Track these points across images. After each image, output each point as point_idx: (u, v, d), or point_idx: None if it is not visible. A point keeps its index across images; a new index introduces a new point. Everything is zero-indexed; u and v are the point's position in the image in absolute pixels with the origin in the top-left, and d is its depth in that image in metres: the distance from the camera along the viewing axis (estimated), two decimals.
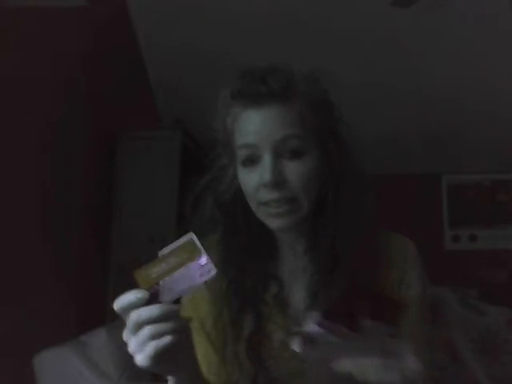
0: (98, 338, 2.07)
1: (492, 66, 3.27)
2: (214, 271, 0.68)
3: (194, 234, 0.70)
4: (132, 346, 0.67)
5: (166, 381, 0.83)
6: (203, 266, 0.68)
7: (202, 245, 0.69)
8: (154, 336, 0.66)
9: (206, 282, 0.68)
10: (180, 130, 3.16)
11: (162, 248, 0.71)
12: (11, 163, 2.47)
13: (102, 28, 2.87)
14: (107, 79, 3.00)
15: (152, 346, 0.66)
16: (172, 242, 0.71)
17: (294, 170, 0.85)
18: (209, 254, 0.77)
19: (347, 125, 0.93)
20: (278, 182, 0.84)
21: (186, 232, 0.71)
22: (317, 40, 3.14)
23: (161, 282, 0.68)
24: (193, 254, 0.69)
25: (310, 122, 0.86)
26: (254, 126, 0.85)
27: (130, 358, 0.71)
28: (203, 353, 0.90)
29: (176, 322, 0.68)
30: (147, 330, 0.66)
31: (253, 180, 0.86)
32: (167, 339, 0.66)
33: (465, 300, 3.21)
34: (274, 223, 0.87)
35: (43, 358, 2.02)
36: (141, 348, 0.66)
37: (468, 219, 4.20)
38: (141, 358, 0.67)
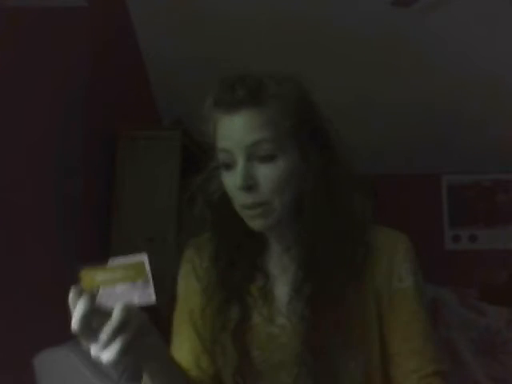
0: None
1: (492, 65, 3.27)
2: (152, 300, 0.71)
3: (146, 256, 0.72)
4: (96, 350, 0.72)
5: None
6: (144, 290, 0.71)
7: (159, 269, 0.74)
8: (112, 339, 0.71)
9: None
10: (180, 130, 3.16)
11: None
12: (11, 163, 2.47)
13: (101, 28, 2.88)
14: (107, 79, 3.00)
15: (117, 343, 0.71)
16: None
17: (265, 174, 0.88)
18: (200, 252, 0.79)
19: (331, 122, 0.95)
20: (249, 186, 0.87)
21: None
22: (316, 42, 3.14)
23: (101, 289, 0.72)
24: (139, 275, 0.71)
25: (284, 124, 0.89)
26: (228, 131, 0.89)
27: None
28: (191, 343, 0.95)
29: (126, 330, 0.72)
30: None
31: (231, 183, 0.90)
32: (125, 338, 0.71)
33: (465, 300, 3.21)
34: (252, 224, 0.91)
35: (43, 357, 2.02)
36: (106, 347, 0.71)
37: (468, 219, 4.20)
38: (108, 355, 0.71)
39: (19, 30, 2.48)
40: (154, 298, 0.71)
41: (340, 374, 0.87)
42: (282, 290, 0.95)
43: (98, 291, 0.72)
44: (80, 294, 0.72)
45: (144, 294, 0.71)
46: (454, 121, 3.65)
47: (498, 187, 4.20)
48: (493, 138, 3.71)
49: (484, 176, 4.20)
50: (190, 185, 0.99)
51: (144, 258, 0.72)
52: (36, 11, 2.58)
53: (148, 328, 0.77)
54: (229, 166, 0.90)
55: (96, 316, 0.71)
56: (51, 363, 2.01)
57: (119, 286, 0.72)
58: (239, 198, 0.89)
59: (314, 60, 2.90)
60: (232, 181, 0.90)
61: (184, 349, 0.96)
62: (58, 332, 2.28)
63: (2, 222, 2.37)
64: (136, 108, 3.36)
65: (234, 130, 0.88)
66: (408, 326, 0.89)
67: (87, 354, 2.08)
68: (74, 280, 0.76)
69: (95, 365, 1.98)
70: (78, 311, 0.71)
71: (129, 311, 0.71)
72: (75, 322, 0.71)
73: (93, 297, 0.71)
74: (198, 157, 3.35)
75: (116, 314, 0.70)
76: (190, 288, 0.99)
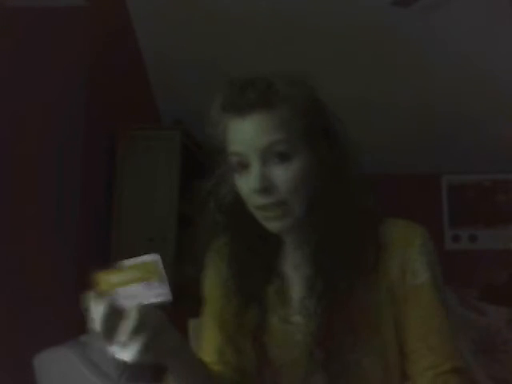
0: (98, 338, 2.06)
1: (492, 65, 3.27)
2: (166, 298, 0.72)
3: (159, 257, 0.73)
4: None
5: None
6: (158, 289, 0.73)
7: (165, 269, 0.73)
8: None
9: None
10: (180, 130, 3.16)
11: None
12: (11, 163, 2.47)
13: (101, 28, 2.88)
14: (107, 79, 3.00)
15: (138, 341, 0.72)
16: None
17: (281, 175, 0.88)
18: (215, 258, 0.80)
19: (340, 121, 0.95)
20: (266, 187, 0.87)
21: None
22: (316, 42, 3.14)
23: (117, 291, 0.73)
24: (153, 275, 0.73)
25: (296, 125, 0.89)
26: (240, 135, 0.89)
27: None
28: (215, 339, 0.98)
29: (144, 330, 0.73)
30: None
31: (245, 186, 0.90)
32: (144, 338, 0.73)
33: (465, 300, 3.21)
34: (270, 226, 0.91)
35: (43, 357, 2.02)
36: (125, 347, 0.73)
37: (468, 219, 4.20)
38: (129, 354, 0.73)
39: (19, 29, 2.48)
40: (169, 296, 0.72)
41: (353, 371, 0.88)
42: (295, 288, 0.96)
43: (114, 293, 0.73)
44: (98, 297, 0.73)
45: (159, 293, 0.72)
46: (453, 121, 3.65)
47: (498, 187, 4.20)
48: (493, 137, 3.71)
49: (484, 176, 4.20)
50: (199, 191, 0.99)
51: (157, 257, 0.73)
52: (36, 11, 2.58)
53: (166, 326, 0.78)
54: (242, 170, 0.90)
55: (115, 317, 0.72)
56: (51, 363, 2.01)
57: (134, 287, 0.73)
58: (255, 200, 0.89)
59: (314, 60, 2.90)
60: (246, 184, 0.90)
61: (209, 344, 0.98)
62: (58, 332, 2.29)
63: (2, 222, 2.37)
64: (136, 108, 3.37)
65: (247, 133, 0.88)
66: (424, 323, 0.89)
67: (87, 354, 2.08)
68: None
69: (95, 364, 1.98)
70: (98, 314, 0.72)
71: (144, 311, 0.72)
72: (97, 325, 0.72)
73: (111, 299, 0.73)
74: (197, 157, 3.35)
75: (131, 315, 0.72)
76: (212, 287, 1.01)
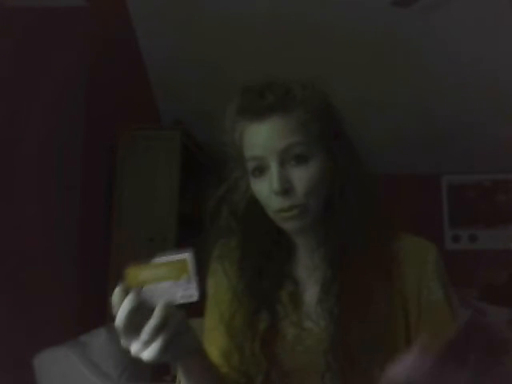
0: (97, 338, 2.07)
1: (492, 66, 3.27)
2: (194, 297, 0.72)
3: (191, 255, 0.73)
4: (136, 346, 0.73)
5: (165, 381, 0.86)
6: (187, 288, 0.72)
7: (197, 267, 0.73)
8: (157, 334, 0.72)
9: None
10: (180, 130, 3.16)
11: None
12: (11, 163, 2.47)
13: (101, 28, 2.88)
14: (107, 79, 3.00)
15: (158, 341, 0.72)
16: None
17: (300, 176, 0.89)
18: (223, 262, 0.87)
19: (350, 125, 0.97)
20: (286, 189, 0.89)
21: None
22: (317, 43, 3.14)
23: (144, 287, 0.73)
24: (182, 273, 0.73)
25: (312, 127, 0.90)
26: (259, 139, 0.90)
27: (130, 357, 0.74)
28: (222, 341, 0.96)
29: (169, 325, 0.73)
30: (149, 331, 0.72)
31: (264, 189, 0.91)
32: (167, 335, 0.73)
33: (465, 300, 3.21)
34: (287, 226, 0.92)
35: (43, 357, 2.02)
36: (146, 346, 0.73)
37: (468, 219, 4.20)
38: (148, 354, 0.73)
39: (19, 29, 2.49)
40: (196, 295, 0.72)
41: (365, 376, 0.87)
42: (310, 292, 0.96)
43: (142, 289, 0.73)
44: (125, 292, 0.73)
45: (186, 292, 0.72)
46: (454, 121, 3.65)
47: (498, 187, 4.20)
48: (493, 138, 3.71)
49: (484, 176, 4.20)
50: (211, 197, 0.99)
51: (188, 255, 0.73)
52: (36, 11, 2.58)
53: (186, 326, 0.78)
54: (260, 172, 0.91)
55: (139, 314, 0.72)
56: (51, 363, 2.01)
57: (162, 284, 0.73)
58: (275, 203, 0.90)
59: (314, 60, 2.90)
60: (265, 187, 0.91)
61: (215, 346, 0.97)
62: (58, 332, 2.29)
63: (2, 222, 2.38)
64: (136, 108, 3.37)
65: (266, 137, 0.89)
66: (439, 339, 0.90)
67: (87, 354, 2.08)
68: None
69: (95, 364, 1.98)
70: (123, 308, 0.72)
71: (169, 310, 0.72)
72: (120, 319, 0.72)
73: (138, 294, 0.72)
74: (198, 157, 3.35)
75: (156, 314, 0.72)
76: (221, 291, 1.00)
